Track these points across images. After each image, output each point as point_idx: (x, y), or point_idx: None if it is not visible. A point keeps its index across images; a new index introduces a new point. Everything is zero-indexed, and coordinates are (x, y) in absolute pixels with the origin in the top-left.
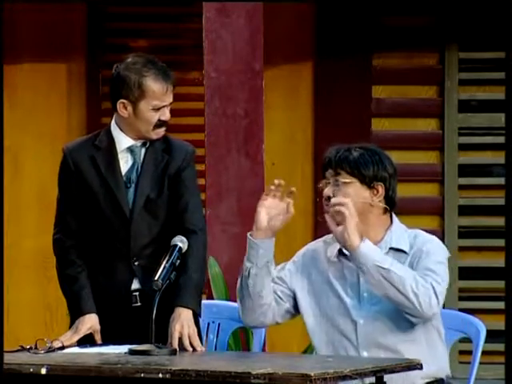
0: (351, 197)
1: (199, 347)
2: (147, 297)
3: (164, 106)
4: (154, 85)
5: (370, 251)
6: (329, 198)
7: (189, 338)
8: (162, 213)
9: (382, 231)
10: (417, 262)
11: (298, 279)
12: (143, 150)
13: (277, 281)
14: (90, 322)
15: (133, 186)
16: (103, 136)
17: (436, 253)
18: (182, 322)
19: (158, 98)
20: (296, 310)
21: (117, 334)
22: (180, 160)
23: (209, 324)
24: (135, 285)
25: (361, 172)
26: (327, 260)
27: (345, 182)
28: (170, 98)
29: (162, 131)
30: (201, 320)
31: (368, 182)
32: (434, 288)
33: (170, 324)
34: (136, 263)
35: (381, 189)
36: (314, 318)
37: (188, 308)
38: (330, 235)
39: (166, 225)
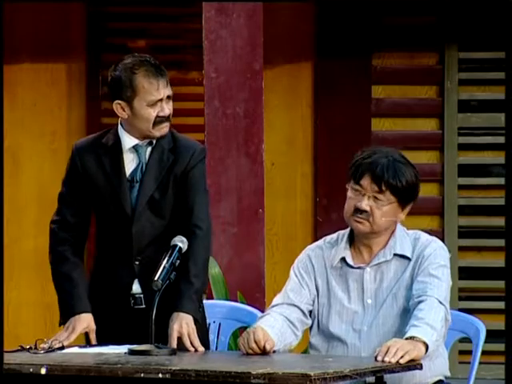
0: (389, 216)
1: (200, 347)
2: (147, 298)
3: (159, 101)
4: (144, 80)
5: (431, 343)
6: (362, 211)
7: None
8: (167, 212)
9: (387, 237)
10: (419, 266)
11: (313, 288)
12: (149, 149)
13: (300, 313)
14: (86, 322)
15: (137, 185)
16: (111, 135)
17: (437, 256)
18: (181, 321)
19: (150, 93)
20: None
21: (117, 335)
22: (186, 160)
23: (209, 324)
24: (135, 286)
25: (404, 196)
26: (330, 265)
27: (386, 202)
28: (164, 93)
29: (164, 128)
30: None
31: (404, 204)
32: (443, 305)
33: (169, 326)
34: (136, 262)
35: (409, 207)
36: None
37: (187, 313)
38: (329, 237)
39: (170, 224)
